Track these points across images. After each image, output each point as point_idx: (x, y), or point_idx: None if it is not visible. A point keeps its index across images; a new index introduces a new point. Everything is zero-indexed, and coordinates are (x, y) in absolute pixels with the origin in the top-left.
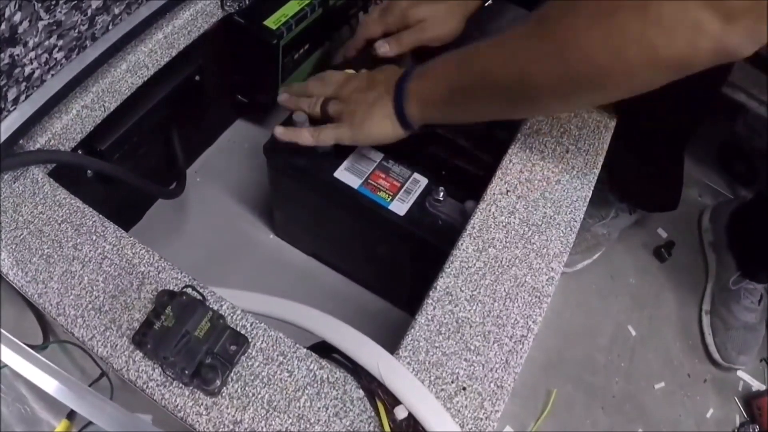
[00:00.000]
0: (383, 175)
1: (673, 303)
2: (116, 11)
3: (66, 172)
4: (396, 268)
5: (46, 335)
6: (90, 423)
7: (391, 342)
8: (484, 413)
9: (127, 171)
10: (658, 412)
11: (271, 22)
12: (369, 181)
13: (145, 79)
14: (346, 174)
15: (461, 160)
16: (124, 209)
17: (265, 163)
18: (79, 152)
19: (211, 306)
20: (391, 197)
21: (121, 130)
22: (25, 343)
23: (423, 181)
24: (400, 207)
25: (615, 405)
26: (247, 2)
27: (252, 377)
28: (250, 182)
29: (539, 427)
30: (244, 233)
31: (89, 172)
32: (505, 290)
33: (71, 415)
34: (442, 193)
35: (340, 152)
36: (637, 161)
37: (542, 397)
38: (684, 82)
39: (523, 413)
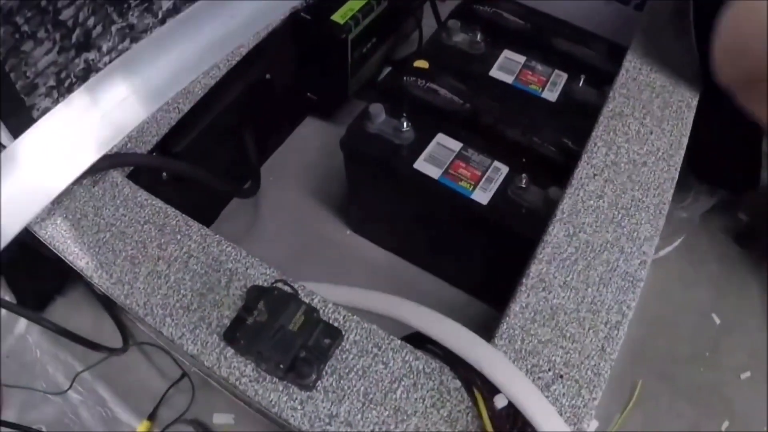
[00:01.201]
0: (464, 165)
1: (757, 289)
2: None
3: (142, 175)
4: (479, 259)
5: (125, 338)
6: (172, 423)
7: (478, 335)
8: (581, 401)
9: (202, 171)
10: (744, 403)
11: (338, 16)
12: (449, 171)
13: (218, 79)
14: (425, 165)
15: (541, 146)
16: (198, 210)
17: (338, 159)
18: (155, 154)
19: (303, 299)
20: (472, 186)
21: (195, 132)
22: (104, 347)
23: (504, 168)
24: (482, 196)
25: (700, 396)
26: None
27: (347, 370)
28: (323, 179)
29: (624, 420)
30: (320, 230)
31: (164, 174)
32: (598, 275)
33: (152, 415)
34: (524, 180)
35: (418, 143)
36: (716, 139)
37: (627, 389)
38: None
39: (608, 405)
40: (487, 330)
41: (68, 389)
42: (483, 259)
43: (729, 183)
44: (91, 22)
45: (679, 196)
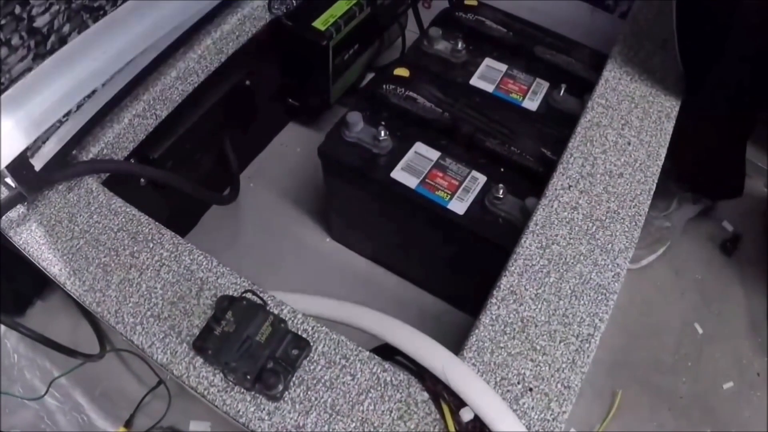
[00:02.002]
0: (441, 174)
1: (742, 298)
2: None
3: (120, 181)
4: (456, 268)
5: (103, 344)
6: (149, 430)
7: (453, 344)
8: (551, 414)
9: (180, 178)
10: (726, 413)
11: (320, 23)
12: (427, 180)
13: (196, 85)
14: (402, 174)
15: (520, 156)
16: (178, 217)
17: (320, 166)
18: (132, 161)
19: (271, 310)
20: (449, 196)
21: (173, 138)
22: (81, 353)
23: (482, 178)
24: (459, 206)
25: (682, 406)
26: (294, 4)
27: (314, 381)
28: (304, 186)
29: (605, 429)
30: (300, 238)
31: (142, 180)
32: (570, 288)
33: (129, 422)
34: (501, 191)
35: (396, 152)
36: (699, 148)
37: (607, 399)
38: (753, 68)
39: (588, 415)
40: (463, 339)
41: (45, 394)
42: (460, 269)
43: (712, 191)
44: (66, 29)
45: (663, 204)
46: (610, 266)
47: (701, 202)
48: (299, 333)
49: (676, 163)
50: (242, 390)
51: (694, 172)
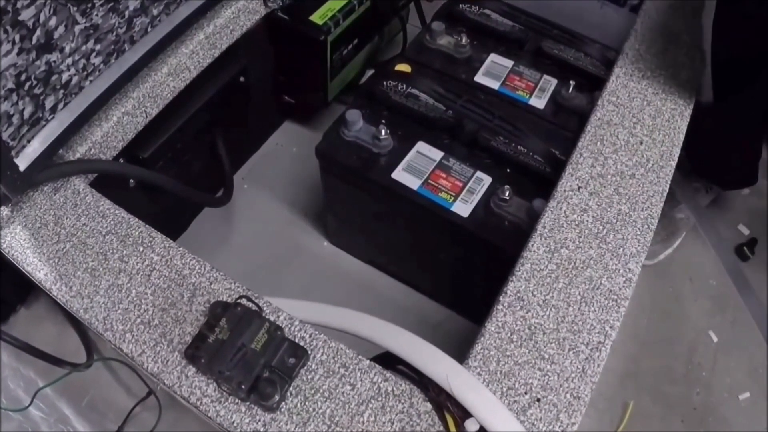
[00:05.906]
0: (444, 175)
1: (758, 305)
2: (155, 12)
3: (108, 182)
4: (459, 273)
5: (90, 353)
6: None
7: (457, 353)
8: (560, 426)
9: (171, 179)
10: (742, 425)
11: (317, 17)
12: (429, 181)
13: (188, 82)
14: (404, 175)
15: (526, 156)
16: (169, 219)
17: (317, 167)
18: (121, 161)
19: (267, 317)
20: (453, 198)
21: (163, 137)
22: (67, 362)
23: (487, 179)
24: (463, 208)
25: (696, 417)
26: None
27: (312, 391)
28: (301, 187)
29: None
30: (297, 241)
31: (132, 181)
32: (579, 294)
33: None
34: (507, 192)
35: (397, 152)
36: (714, 134)
37: (618, 410)
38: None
39: (598, 426)
40: (467, 346)
41: (29, 405)
42: (463, 273)
43: (721, 179)
44: (53, 22)
45: (683, 196)
46: (621, 271)
47: (713, 190)
48: (296, 341)
49: (692, 148)
50: (237, 400)
51: (707, 159)
